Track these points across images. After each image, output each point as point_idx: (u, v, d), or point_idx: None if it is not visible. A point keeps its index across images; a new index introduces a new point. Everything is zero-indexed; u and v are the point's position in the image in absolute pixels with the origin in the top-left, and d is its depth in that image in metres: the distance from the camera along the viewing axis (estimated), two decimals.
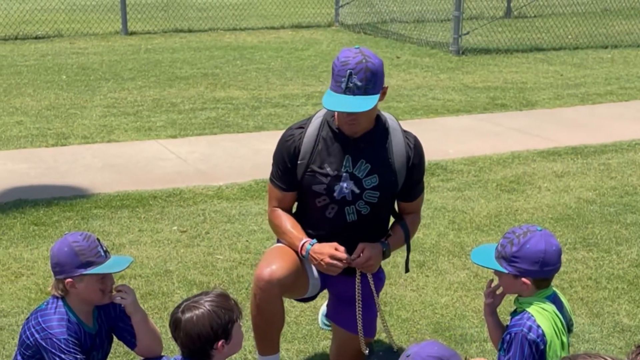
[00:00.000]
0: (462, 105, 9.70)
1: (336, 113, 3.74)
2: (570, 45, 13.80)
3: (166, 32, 14.61)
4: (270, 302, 3.68)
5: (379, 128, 3.78)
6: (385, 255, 3.83)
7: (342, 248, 3.72)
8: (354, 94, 3.54)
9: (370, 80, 3.54)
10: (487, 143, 8.12)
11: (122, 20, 14.29)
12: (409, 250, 4.01)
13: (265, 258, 3.83)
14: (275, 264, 3.72)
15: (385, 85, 3.66)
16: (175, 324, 3.13)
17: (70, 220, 5.98)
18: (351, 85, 3.53)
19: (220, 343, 3.08)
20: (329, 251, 3.70)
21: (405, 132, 3.85)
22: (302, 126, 3.85)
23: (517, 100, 9.98)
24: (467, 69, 11.88)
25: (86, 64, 11.71)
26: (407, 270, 4.13)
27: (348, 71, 3.53)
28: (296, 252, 3.81)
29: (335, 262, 3.68)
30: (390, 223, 3.98)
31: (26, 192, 6.53)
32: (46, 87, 10.22)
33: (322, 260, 3.70)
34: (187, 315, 3.09)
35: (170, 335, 4.31)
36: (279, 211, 3.92)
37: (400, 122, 3.92)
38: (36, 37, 13.81)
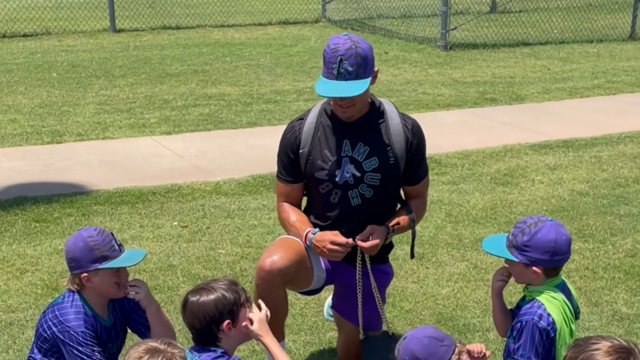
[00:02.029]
0: (453, 99, 9.78)
1: (331, 99, 3.81)
2: (556, 39, 13.93)
3: (154, 29, 14.62)
4: (272, 291, 3.73)
5: (373, 111, 3.86)
6: (387, 240, 3.87)
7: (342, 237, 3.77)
8: (346, 79, 3.62)
9: (361, 65, 3.62)
10: (479, 137, 8.21)
11: (109, 17, 14.30)
12: (414, 236, 4.06)
13: (268, 249, 3.89)
14: (277, 254, 3.77)
15: (376, 68, 3.73)
16: (184, 304, 3.19)
17: (71, 216, 6.02)
18: (342, 70, 3.61)
19: (225, 323, 3.13)
20: (330, 237, 3.75)
21: (403, 114, 3.92)
22: (302, 117, 3.95)
23: (506, 94, 10.08)
24: (456, 64, 11.97)
25: (76, 62, 11.71)
26: (412, 256, 4.19)
27: (339, 57, 3.61)
28: (303, 243, 3.87)
29: (336, 247, 3.73)
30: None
31: (25, 189, 6.56)
32: (37, 85, 10.23)
33: (324, 247, 3.76)
34: (195, 297, 3.16)
35: (180, 327, 4.39)
36: (286, 205, 3.98)
37: None
38: (24, 35, 13.78)
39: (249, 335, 3.28)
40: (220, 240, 5.67)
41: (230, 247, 5.56)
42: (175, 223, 5.96)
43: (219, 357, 3.13)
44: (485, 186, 6.82)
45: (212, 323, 3.13)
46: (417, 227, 5.78)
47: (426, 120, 9.04)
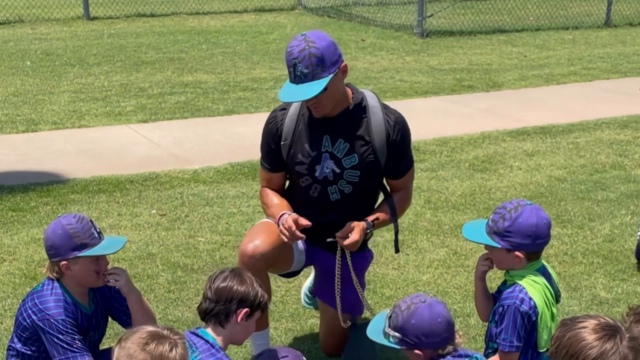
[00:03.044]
0: (430, 87, 9.79)
1: None
2: (532, 26, 13.97)
3: (129, 17, 14.50)
4: (255, 277, 3.69)
5: (355, 106, 3.81)
6: (367, 235, 3.86)
7: (305, 222, 3.67)
8: (303, 82, 3.58)
9: (318, 65, 3.57)
10: (457, 124, 8.22)
11: (83, 5, 14.15)
12: (397, 230, 4.04)
13: (249, 233, 3.87)
14: (259, 238, 3.76)
15: (343, 62, 3.67)
16: (219, 275, 3.20)
17: (48, 205, 5.96)
18: (298, 73, 3.58)
19: (244, 311, 3.14)
20: (291, 220, 3.66)
21: (386, 109, 3.86)
22: (285, 108, 3.90)
23: (483, 81, 10.10)
24: (432, 51, 11.97)
25: (50, 50, 11.59)
26: (396, 250, 4.16)
27: (293, 61, 3.58)
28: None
29: (285, 229, 3.65)
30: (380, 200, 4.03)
31: (1, 178, 6.49)
32: (11, 73, 10.11)
33: (281, 225, 3.69)
34: (236, 273, 3.19)
35: (158, 317, 4.36)
36: (267, 190, 3.97)
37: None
38: None
39: (244, 337, 3.28)
40: (199, 228, 5.64)
41: (209, 235, 5.53)
42: (154, 211, 5.92)
43: (216, 351, 3.10)
44: (464, 173, 6.83)
45: (235, 302, 3.14)
46: None
47: (404, 108, 8.95)
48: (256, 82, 9.87)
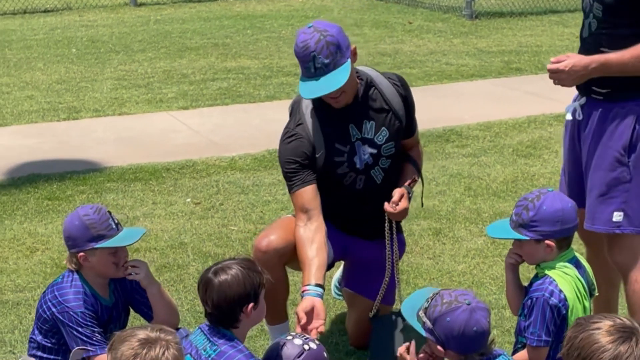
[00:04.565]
0: (477, 70, 9.58)
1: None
2: None
3: (175, 3, 14.49)
4: (269, 272, 3.52)
5: (364, 84, 3.77)
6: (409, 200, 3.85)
7: (321, 328, 3.47)
8: (325, 73, 3.51)
9: (336, 53, 3.51)
10: (502, 108, 8.02)
11: None
12: (422, 184, 4.03)
13: (266, 228, 3.83)
14: (275, 234, 3.71)
15: (353, 45, 3.63)
16: (207, 285, 3.05)
17: (84, 194, 5.96)
18: (319, 65, 3.50)
19: (250, 306, 3.05)
20: (302, 315, 3.43)
21: (385, 74, 3.87)
22: (300, 122, 3.75)
23: (532, 63, 9.86)
24: (481, 33, 11.73)
25: (96, 37, 11.64)
26: (422, 205, 4.21)
27: (311, 54, 3.50)
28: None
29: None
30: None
31: (39, 166, 6.51)
32: (56, 61, 10.16)
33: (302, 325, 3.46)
34: (222, 277, 3.04)
35: (186, 307, 4.32)
36: (300, 231, 3.64)
37: (413, 88, 3.94)
38: (45, 11, 13.72)
39: (261, 317, 3.21)
40: (233, 217, 5.58)
41: (242, 223, 5.46)
42: (189, 200, 5.88)
43: (236, 344, 3.03)
44: (507, 158, 6.65)
45: (237, 305, 3.04)
46: (435, 201, 5.73)
47: (448, 91, 8.93)
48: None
